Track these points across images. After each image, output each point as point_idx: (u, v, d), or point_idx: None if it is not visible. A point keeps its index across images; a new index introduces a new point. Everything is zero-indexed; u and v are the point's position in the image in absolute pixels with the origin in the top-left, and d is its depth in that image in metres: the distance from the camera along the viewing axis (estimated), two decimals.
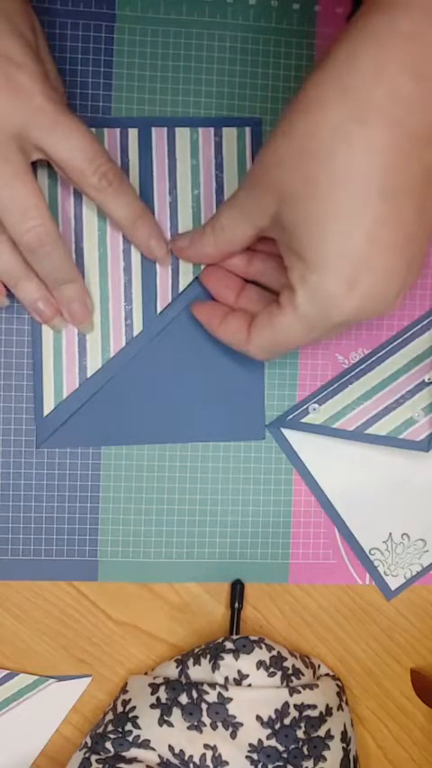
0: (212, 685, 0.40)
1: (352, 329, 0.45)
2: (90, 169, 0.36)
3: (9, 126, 0.34)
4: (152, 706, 0.40)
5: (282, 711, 0.40)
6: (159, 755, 0.39)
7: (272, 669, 0.41)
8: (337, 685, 0.43)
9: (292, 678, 0.41)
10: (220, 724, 0.39)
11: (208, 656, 0.41)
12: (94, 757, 0.40)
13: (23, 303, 0.41)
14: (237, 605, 0.44)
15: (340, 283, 0.32)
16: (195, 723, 0.39)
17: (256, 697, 0.40)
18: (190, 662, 0.41)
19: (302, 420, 0.44)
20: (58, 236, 0.38)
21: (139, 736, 0.40)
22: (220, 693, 0.40)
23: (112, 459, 0.44)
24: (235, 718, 0.39)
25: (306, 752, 0.40)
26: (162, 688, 0.41)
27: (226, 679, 0.40)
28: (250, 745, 0.39)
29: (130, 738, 0.40)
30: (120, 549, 0.44)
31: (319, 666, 0.45)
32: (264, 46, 0.43)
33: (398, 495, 0.46)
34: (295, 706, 0.40)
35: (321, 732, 0.40)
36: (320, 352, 0.45)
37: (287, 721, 0.40)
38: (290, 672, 0.41)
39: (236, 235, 0.36)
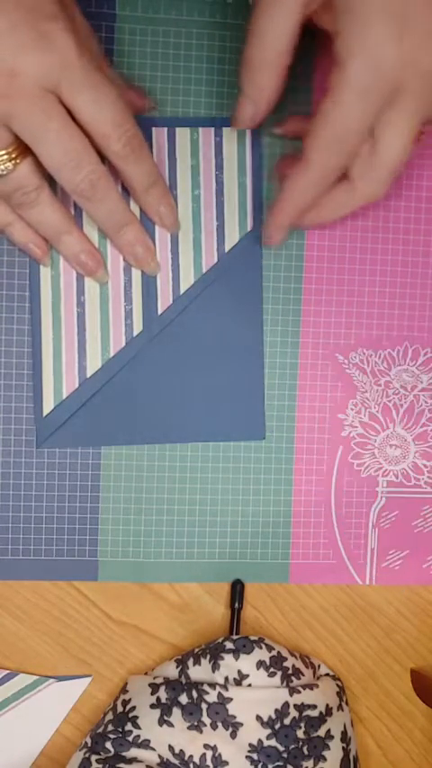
0: (212, 685, 0.40)
1: (352, 328, 0.45)
2: (115, 135, 0.36)
3: (44, 82, 0.33)
4: (152, 706, 0.40)
5: (282, 711, 0.40)
6: (159, 755, 0.39)
7: (272, 669, 0.41)
8: (338, 685, 0.43)
9: (292, 678, 0.41)
10: (220, 724, 0.39)
11: (208, 656, 0.41)
12: (94, 757, 0.40)
13: (67, 258, 0.41)
14: (237, 605, 0.44)
15: (391, 31, 0.32)
16: (195, 723, 0.39)
17: (256, 697, 0.40)
18: (190, 662, 0.41)
19: None
20: (110, 177, 0.37)
21: (139, 736, 0.40)
22: (220, 693, 0.40)
23: (112, 459, 0.44)
24: (235, 718, 0.39)
25: (306, 752, 0.40)
26: (162, 688, 0.41)
27: (226, 679, 0.40)
28: (250, 745, 0.39)
29: (130, 738, 0.40)
30: (120, 549, 0.44)
31: (319, 666, 0.45)
32: None
33: None
34: (295, 706, 0.40)
35: (321, 732, 0.40)
36: (320, 353, 0.45)
37: (287, 721, 0.40)
38: (290, 672, 0.41)
39: (278, 30, 0.35)
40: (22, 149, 0.35)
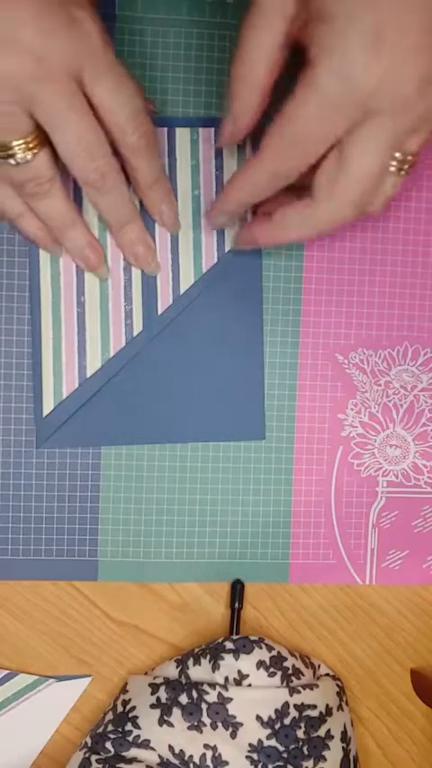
0: (212, 685, 0.40)
1: (352, 328, 0.45)
2: (130, 127, 0.36)
3: (70, 67, 0.33)
4: (152, 706, 0.40)
5: (282, 711, 0.40)
6: (159, 755, 0.39)
7: (272, 669, 0.41)
8: (338, 685, 0.43)
9: (292, 678, 0.41)
10: (220, 724, 0.39)
11: (208, 656, 0.41)
12: (94, 757, 0.40)
13: (70, 251, 0.41)
14: (237, 605, 0.44)
15: (365, 41, 0.30)
16: (195, 723, 0.39)
17: (256, 697, 0.40)
18: (190, 662, 0.41)
19: None
20: (121, 172, 0.38)
21: (139, 736, 0.40)
22: (220, 693, 0.40)
23: (112, 459, 0.44)
24: (235, 718, 0.39)
25: (306, 752, 0.40)
26: (162, 688, 0.41)
27: (226, 679, 0.40)
28: (250, 745, 0.39)
29: (130, 738, 0.40)
30: (120, 548, 0.44)
31: (319, 666, 0.45)
32: None
33: None
34: (295, 706, 0.40)
35: (321, 732, 0.40)
36: (320, 353, 0.45)
37: (287, 721, 0.40)
38: (290, 672, 0.41)
39: (259, 48, 0.33)
40: (41, 139, 0.35)
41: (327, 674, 0.44)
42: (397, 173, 0.35)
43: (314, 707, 0.40)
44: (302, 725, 0.40)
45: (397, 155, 0.34)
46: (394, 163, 0.34)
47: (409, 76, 0.31)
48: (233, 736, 0.39)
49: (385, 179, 0.35)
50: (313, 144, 0.33)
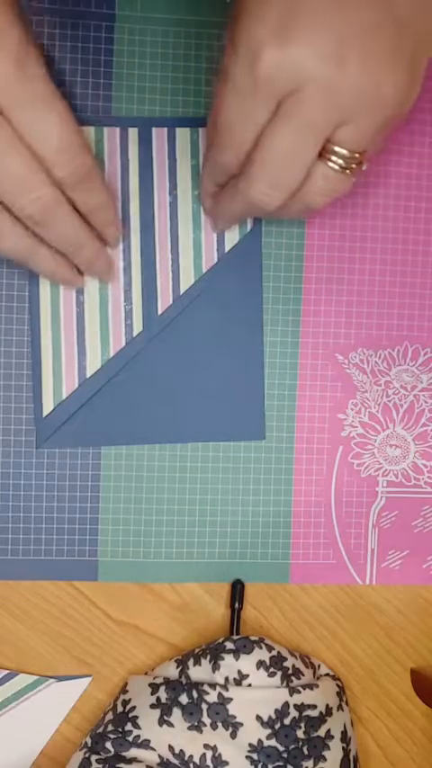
0: (212, 685, 0.40)
1: (352, 328, 0.45)
2: (58, 161, 0.33)
3: None
4: (152, 706, 0.40)
5: (282, 711, 0.40)
6: (159, 755, 0.39)
7: (272, 669, 0.41)
8: (338, 685, 0.43)
9: (292, 678, 0.41)
10: (220, 724, 0.39)
11: (208, 657, 0.41)
12: (94, 757, 0.40)
13: (42, 274, 0.41)
14: (237, 605, 0.44)
15: (269, 29, 0.29)
16: (195, 723, 0.39)
17: (256, 697, 0.40)
18: (190, 662, 0.41)
19: None
20: (61, 200, 0.35)
21: (139, 736, 0.40)
22: (220, 693, 0.40)
23: (112, 459, 0.44)
24: (235, 718, 0.39)
25: (306, 752, 0.40)
26: (162, 688, 0.41)
27: (226, 679, 0.40)
28: (250, 745, 0.39)
29: (130, 738, 0.40)
30: (120, 548, 0.44)
31: (319, 666, 0.45)
32: None
33: None
34: (295, 706, 0.40)
35: (321, 732, 0.40)
36: (320, 353, 0.45)
37: (287, 721, 0.40)
38: (290, 672, 0.41)
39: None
40: None
41: (327, 674, 0.44)
42: (342, 171, 0.33)
43: (314, 707, 0.40)
44: (302, 725, 0.40)
45: (336, 149, 0.33)
46: (337, 159, 0.33)
47: (323, 56, 0.30)
48: (233, 736, 0.39)
49: (314, 171, 0.33)
50: (237, 134, 0.33)
